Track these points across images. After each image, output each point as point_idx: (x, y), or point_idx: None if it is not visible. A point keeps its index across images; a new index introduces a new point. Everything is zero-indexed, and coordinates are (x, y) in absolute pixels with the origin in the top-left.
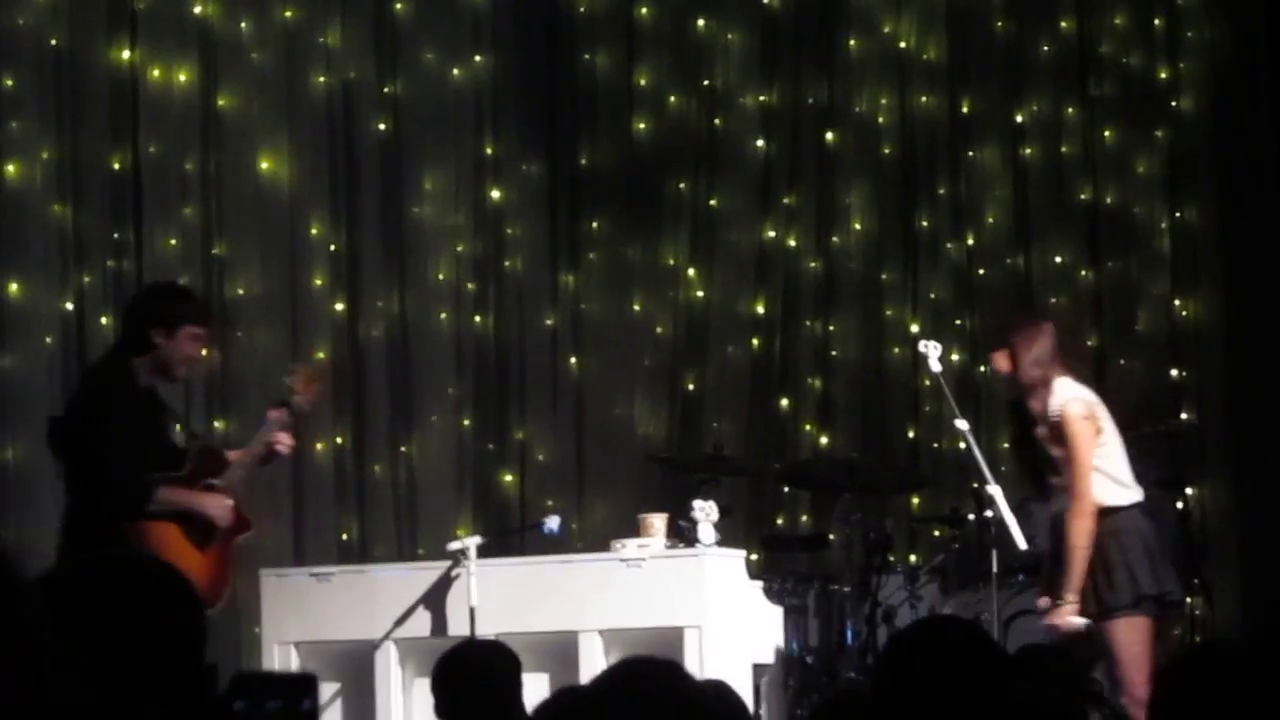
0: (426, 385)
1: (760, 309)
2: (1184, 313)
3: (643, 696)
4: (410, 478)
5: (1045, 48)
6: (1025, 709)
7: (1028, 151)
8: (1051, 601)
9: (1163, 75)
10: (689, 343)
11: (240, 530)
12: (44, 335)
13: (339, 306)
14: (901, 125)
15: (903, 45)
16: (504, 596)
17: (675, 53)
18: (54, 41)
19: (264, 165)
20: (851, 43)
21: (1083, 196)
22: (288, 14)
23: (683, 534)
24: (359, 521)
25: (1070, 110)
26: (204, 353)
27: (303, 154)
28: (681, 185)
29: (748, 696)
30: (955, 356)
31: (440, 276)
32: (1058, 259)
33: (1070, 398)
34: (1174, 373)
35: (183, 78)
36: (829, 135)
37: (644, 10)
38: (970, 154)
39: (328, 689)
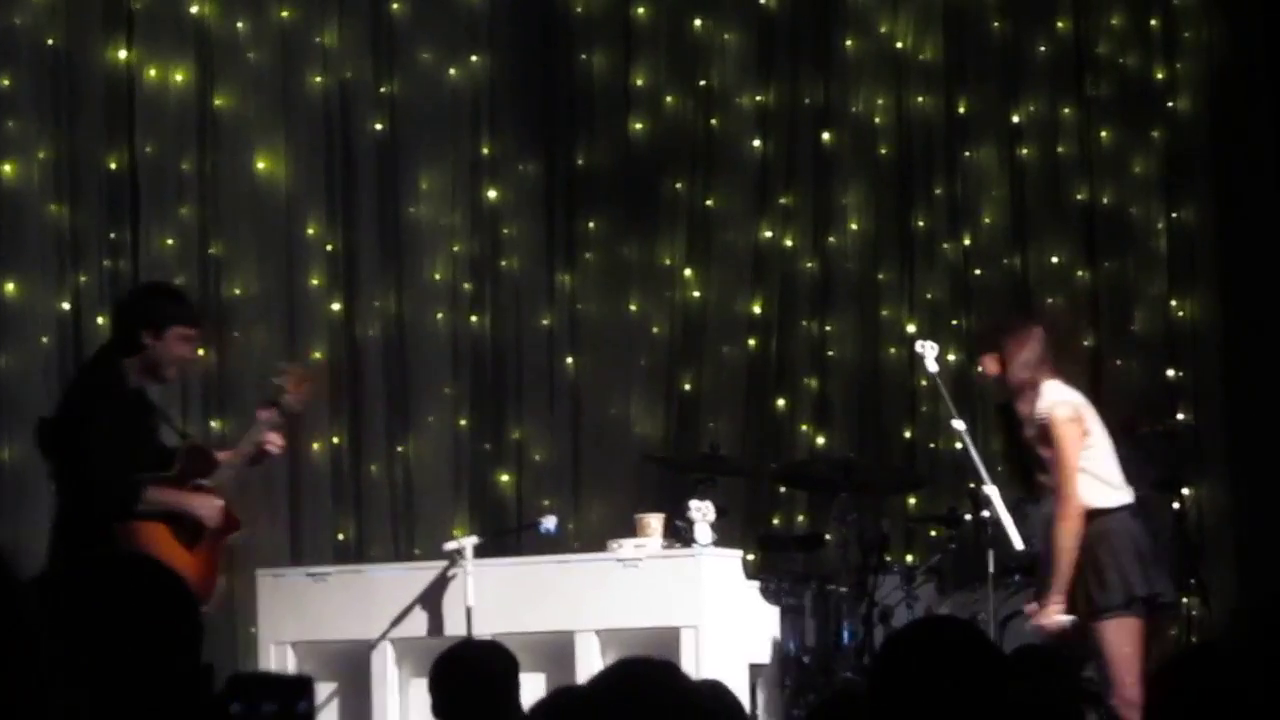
0: (423, 385)
1: (757, 309)
2: (1181, 313)
3: (639, 697)
4: (407, 478)
5: (1042, 48)
6: (1023, 709)
7: (1024, 152)
8: (1039, 604)
9: (1159, 75)
10: (685, 343)
11: (230, 530)
12: (40, 335)
13: (335, 306)
14: (898, 125)
15: (899, 45)
16: (500, 596)
17: (672, 53)
18: (50, 41)
19: (260, 165)
20: (848, 43)
21: (1079, 197)
22: (284, 14)
23: (679, 534)
24: (355, 521)
25: (1067, 110)
26: (195, 353)
27: (299, 154)
28: (678, 185)
29: (744, 696)
30: (952, 357)
31: (437, 276)
32: (1054, 259)
33: (1057, 400)
34: (1171, 373)
35: (179, 77)
36: (825, 135)
37: (641, 10)
38: (967, 154)
39: (324, 689)
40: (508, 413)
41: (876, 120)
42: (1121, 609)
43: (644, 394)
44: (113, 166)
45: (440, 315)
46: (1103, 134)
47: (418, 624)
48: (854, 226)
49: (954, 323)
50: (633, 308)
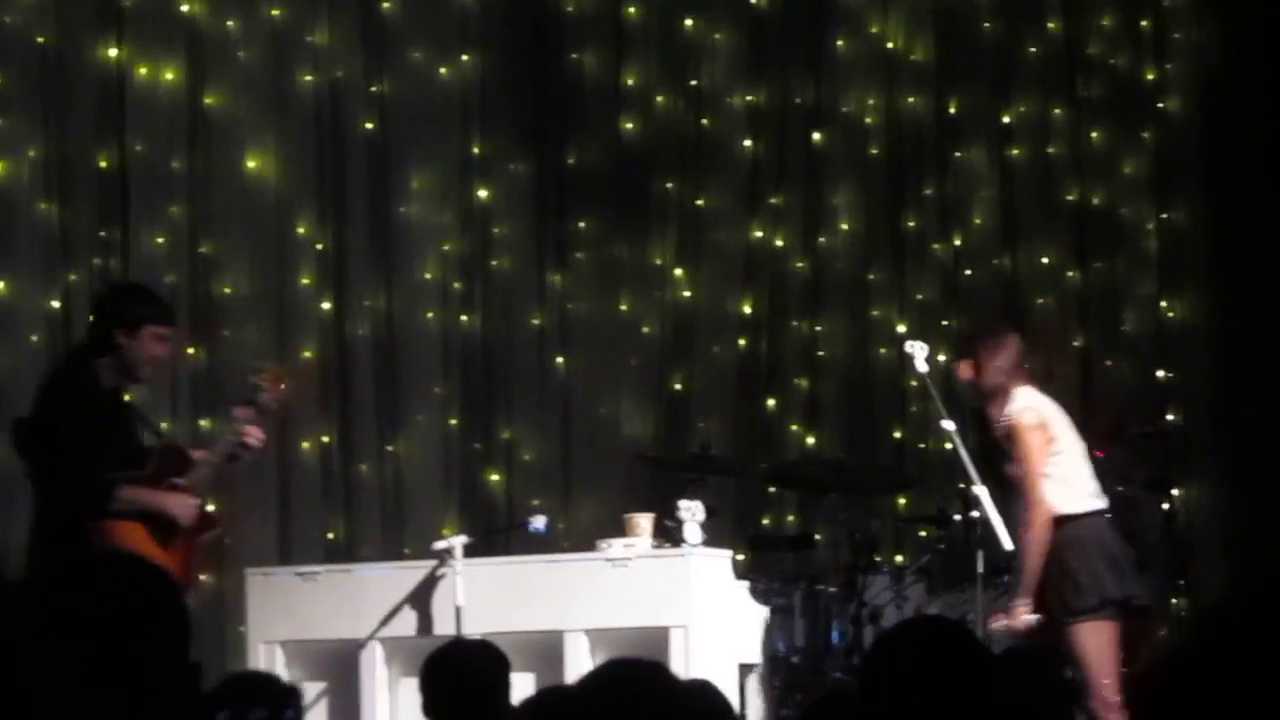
0: (413, 384)
1: (747, 309)
2: (1171, 313)
3: (628, 697)
4: (397, 477)
5: (1033, 48)
6: (1013, 709)
7: (1015, 152)
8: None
9: (1150, 76)
10: (676, 342)
11: (205, 529)
12: (30, 334)
13: (326, 305)
14: (889, 125)
15: (890, 45)
16: (490, 596)
17: (663, 53)
18: (41, 39)
19: (251, 164)
20: (839, 43)
21: (1070, 197)
22: (275, 13)
23: (669, 534)
24: (345, 521)
25: (1057, 111)
26: (170, 352)
27: (290, 153)
28: (669, 185)
29: (733, 696)
30: (942, 357)
31: (427, 276)
32: (1044, 259)
33: (1023, 407)
34: (1160, 373)
35: (170, 76)
36: (816, 135)
37: (631, 10)
38: (957, 154)
39: (313, 688)
40: (498, 412)
41: (867, 120)
42: (1095, 611)
43: (634, 394)
44: (103, 165)
45: (430, 315)
46: (1093, 134)
47: (407, 624)
48: (844, 226)
49: (944, 323)
50: (623, 307)
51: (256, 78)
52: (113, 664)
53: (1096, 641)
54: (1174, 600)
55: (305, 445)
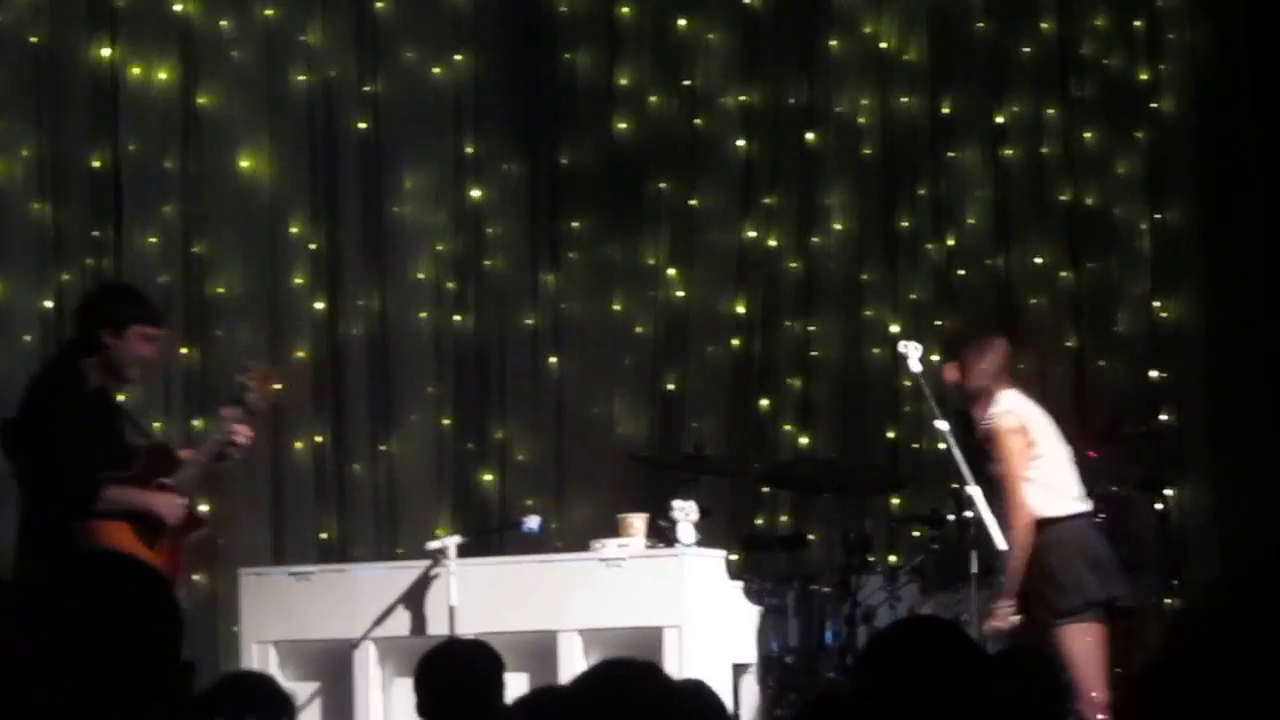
0: (406, 384)
1: (740, 309)
2: (1164, 314)
3: (621, 697)
4: (390, 477)
5: (1026, 49)
6: (1008, 709)
7: (1008, 152)
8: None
9: (1143, 76)
10: (669, 342)
11: (192, 528)
12: (23, 333)
13: (319, 305)
14: (882, 125)
15: (884, 45)
16: (483, 596)
17: (656, 52)
18: (34, 39)
19: (244, 164)
20: (832, 43)
21: (1063, 197)
22: (268, 12)
23: (662, 534)
24: (338, 520)
25: (1051, 111)
26: (157, 353)
27: (283, 153)
28: (662, 185)
29: (727, 697)
30: (935, 357)
31: (420, 275)
32: (1038, 260)
33: (1003, 410)
34: (1154, 373)
35: (163, 76)
36: (810, 135)
37: (625, 10)
38: (951, 154)
39: (307, 688)
40: (491, 412)
41: (861, 120)
42: (1079, 612)
43: (627, 394)
44: (96, 165)
45: (424, 314)
46: (1086, 135)
47: (400, 623)
48: (838, 227)
49: (937, 323)
50: (616, 307)
51: (249, 77)
52: (106, 663)
53: (1082, 643)
54: (1168, 600)
55: (299, 445)
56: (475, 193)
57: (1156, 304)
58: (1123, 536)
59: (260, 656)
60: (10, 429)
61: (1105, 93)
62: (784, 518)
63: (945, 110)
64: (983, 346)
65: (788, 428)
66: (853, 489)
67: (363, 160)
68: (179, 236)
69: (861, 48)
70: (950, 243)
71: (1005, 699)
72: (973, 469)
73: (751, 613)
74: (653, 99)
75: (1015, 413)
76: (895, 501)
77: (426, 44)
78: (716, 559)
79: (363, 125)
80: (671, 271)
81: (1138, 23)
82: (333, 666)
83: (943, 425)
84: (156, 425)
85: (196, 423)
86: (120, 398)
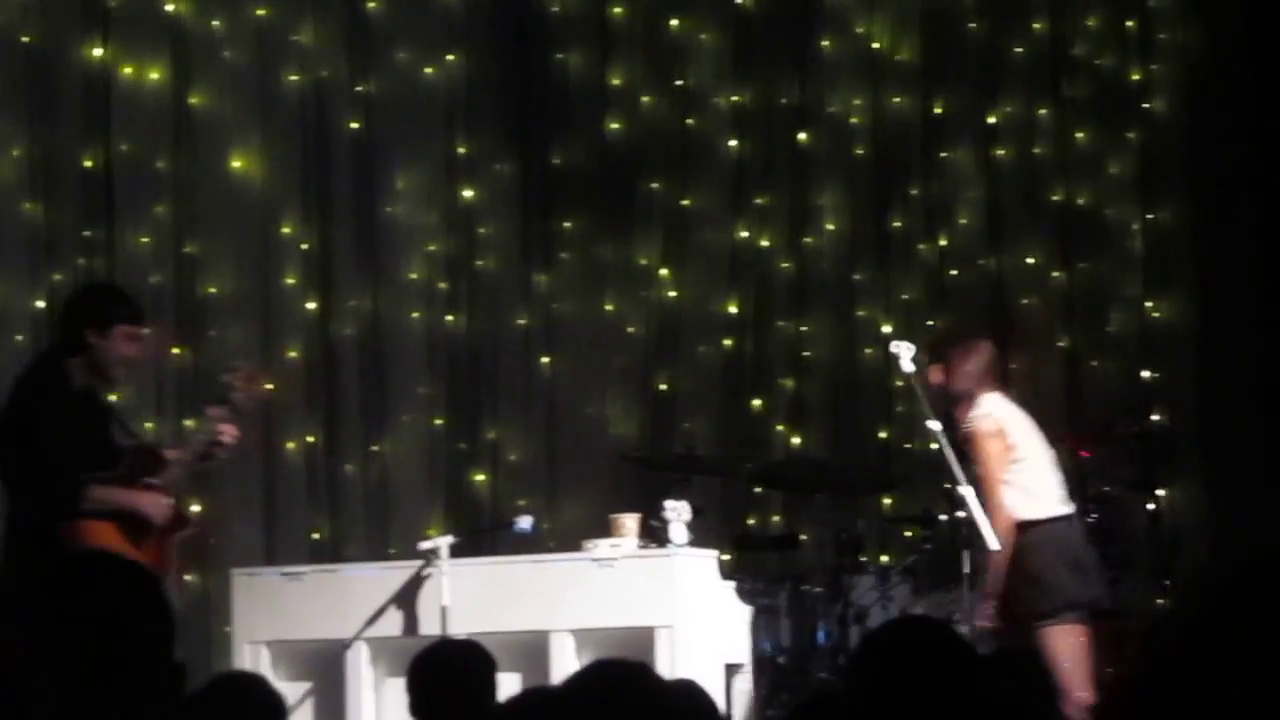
0: (398, 384)
1: (733, 309)
2: (1156, 314)
3: (613, 697)
4: (382, 477)
5: (1018, 49)
6: (1000, 709)
7: (1000, 152)
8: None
9: (1135, 77)
10: (661, 343)
11: (178, 528)
12: (15, 333)
13: (311, 305)
14: (874, 126)
15: (876, 46)
16: (476, 596)
17: (648, 52)
18: (26, 39)
19: (236, 164)
20: (825, 43)
21: (1055, 197)
22: (260, 12)
23: (655, 534)
24: (330, 521)
25: (1043, 111)
26: (142, 352)
27: (275, 152)
28: (654, 185)
29: (719, 697)
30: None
31: (412, 275)
32: (1030, 260)
33: (983, 414)
34: (1146, 374)
35: (155, 76)
36: (802, 135)
37: (617, 10)
38: (943, 155)
39: (299, 688)
40: (483, 412)
41: (853, 120)
42: (1061, 614)
43: (620, 394)
44: (88, 165)
45: (416, 314)
46: (1079, 135)
47: (392, 624)
48: (830, 227)
49: (930, 323)
50: (609, 307)
51: (241, 77)
52: (97, 664)
53: (1065, 644)
54: (1159, 601)
55: (290, 445)
56: (467, 193)
57: (1148, 304)
58: (1115, 537)
59: (252, 657)
60: None
61: (1097, 93)
62: (776, 518)
63: (937, 110)
64: (968, 349)
65: (780, 428)
66: (845, 489)
67: (354, 160)
68: (171, 236)
69: (853, 48)
70: (942, 243)
71: (998, 699)
72: (965, 469)
73: (744, 613)
74: (645, 99)
75: (994, 416)
76: (887, 501)
77: (418, 44)
78: (709, 559)
79: (354, 125)
80: (663, 271)
81: (1130, 23)
82: (325, 667)
83: (935, 425)
84: (148, 425)
85: (188, 423)
86: (111, 398)
